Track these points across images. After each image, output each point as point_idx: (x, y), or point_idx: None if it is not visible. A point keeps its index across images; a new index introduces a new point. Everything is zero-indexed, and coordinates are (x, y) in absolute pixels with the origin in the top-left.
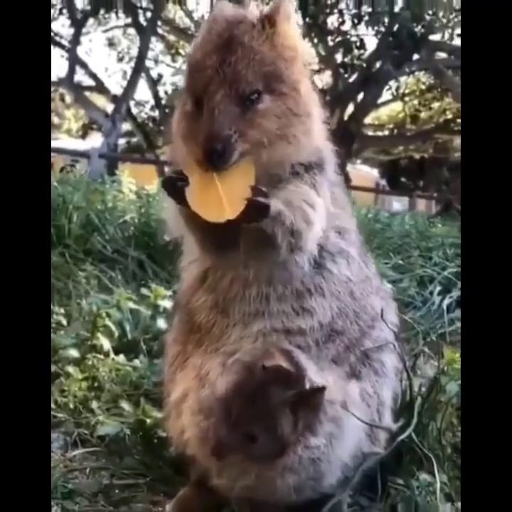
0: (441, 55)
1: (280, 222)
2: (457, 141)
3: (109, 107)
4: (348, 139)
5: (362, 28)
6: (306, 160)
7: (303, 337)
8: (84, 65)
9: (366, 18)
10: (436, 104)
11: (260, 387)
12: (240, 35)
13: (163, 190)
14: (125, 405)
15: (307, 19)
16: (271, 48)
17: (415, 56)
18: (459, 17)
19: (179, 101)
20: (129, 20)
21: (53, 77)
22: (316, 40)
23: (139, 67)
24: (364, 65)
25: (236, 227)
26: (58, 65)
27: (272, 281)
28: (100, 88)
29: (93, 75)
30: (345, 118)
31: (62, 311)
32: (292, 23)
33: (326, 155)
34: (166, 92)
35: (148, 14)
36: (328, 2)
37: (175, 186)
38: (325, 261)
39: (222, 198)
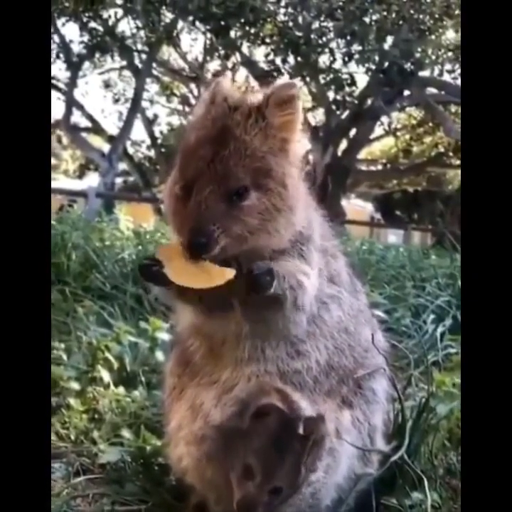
0: (432, 90)
1: (284, 281)
2: (450, 173)
3: (106, 147)
4: (342, 174)
5: (352, 66)
6: (290, 241)
7: (300, 375)
8: (80, 107)
9: (356, 56)
10: (428, 139)
11: (279, 439)
12: (233, 126)
13: (141, 277)
14: (126, 433)
15: (299, 59)
16: (263, 141)
17: (406, 92)
18: (448, 53)
19: (171, 175)
20: (124, 62)
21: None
22: (308, 79)
23: (135, 107)
24: (356, 101)
25: (227, 292)
26: (55, 107)
27: (268, 337)
28: (97, 129)
29: (89, 117)
30: (339, 154)
31: (62, 346)
32: (288, 111)
33: (312, 225)
34: (161, 132)
35: (144, 56)
36: (319, 42)
37: (151, 272)
38: (318, 310)
39: (208, 268)
